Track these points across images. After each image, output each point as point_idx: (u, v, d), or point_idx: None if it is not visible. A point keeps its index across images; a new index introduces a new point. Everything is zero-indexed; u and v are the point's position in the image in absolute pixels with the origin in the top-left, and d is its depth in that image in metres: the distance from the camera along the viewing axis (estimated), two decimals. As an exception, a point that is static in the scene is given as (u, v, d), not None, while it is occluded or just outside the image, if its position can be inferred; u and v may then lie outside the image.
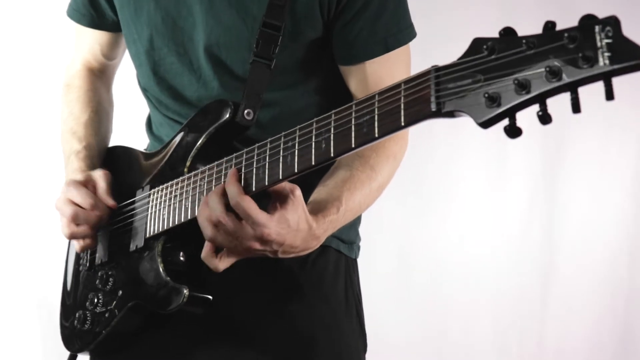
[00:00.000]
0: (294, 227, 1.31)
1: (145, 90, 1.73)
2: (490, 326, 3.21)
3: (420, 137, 2.78)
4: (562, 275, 3.26)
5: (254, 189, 1.31)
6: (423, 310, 3.14)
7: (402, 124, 1.09)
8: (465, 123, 1.06)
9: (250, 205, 1.28)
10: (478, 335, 3.20)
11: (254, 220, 1.28)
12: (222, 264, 1.35)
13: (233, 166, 1.35)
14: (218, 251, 1.36)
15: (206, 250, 1.36)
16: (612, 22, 0.91)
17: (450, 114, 1.04)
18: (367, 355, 1.69)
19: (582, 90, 0.94)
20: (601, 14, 0.95)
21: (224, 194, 1.32)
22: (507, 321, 3.23)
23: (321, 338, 1.58)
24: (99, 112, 1.79)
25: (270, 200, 1.33)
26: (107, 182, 1.58)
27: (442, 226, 3.17)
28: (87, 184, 1.58)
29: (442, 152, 3.13)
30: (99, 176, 1.59)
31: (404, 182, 2.94)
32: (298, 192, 1.31)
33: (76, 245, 1.59)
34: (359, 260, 1.74)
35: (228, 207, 1.31)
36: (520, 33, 1.00)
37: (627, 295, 3.32)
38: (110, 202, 1.56)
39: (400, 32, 1.55)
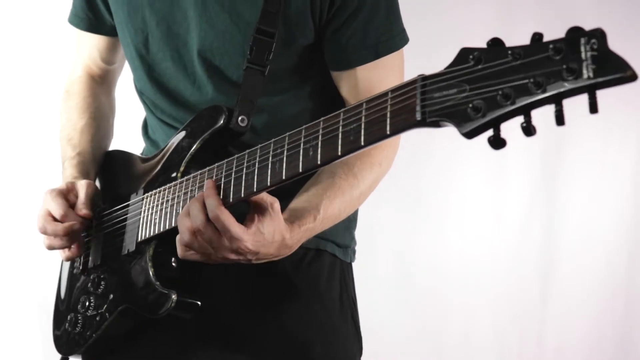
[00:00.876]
0: (269, 239, 1.33)
1: (141, 94, 1.73)
2: (490, 326, 3.21)
3: (419, 137, 2.76)
4: (562, 275, 3.25)
5: (242, 195, 1.31)
6: (423, 310, 3.14)
7: (388, 132, 1.09)
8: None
9: (228, 219, 1.30)
10: (478, 335, 3.20)
11: (231, 235, 1.30)
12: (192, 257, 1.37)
13: (224, 172, 1.35)
14: None
15: (180, 251, 1.37)
16: (598, 35, 0.90)
17: (435, 124, 1.03)
18: (367, 356, 1.69)
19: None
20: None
21: (205, 203, 1.33)
22: (506, 321, 3.23)
23: (316, 341, 1.58)
24: (97, 118, 1.79)
25: (248, 209, 1.34)
26: (88, 193, 1.57)
27: (441, 226, 3.17)
28: (69, 193, 1.57)
29: (440, 153, 3.12)
30: (81, 186, 1.58)
31: (402, 182, 2.94)
32: (277, 205, 1.33)
33: (61, 255, 1.59)
34: (358, 261, 1.74)
35: (208, 217, 1.31)
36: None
37: (626, 295, 3.31)
38: (83, 211, 1.55)
39: (392, 38, 1.54)
